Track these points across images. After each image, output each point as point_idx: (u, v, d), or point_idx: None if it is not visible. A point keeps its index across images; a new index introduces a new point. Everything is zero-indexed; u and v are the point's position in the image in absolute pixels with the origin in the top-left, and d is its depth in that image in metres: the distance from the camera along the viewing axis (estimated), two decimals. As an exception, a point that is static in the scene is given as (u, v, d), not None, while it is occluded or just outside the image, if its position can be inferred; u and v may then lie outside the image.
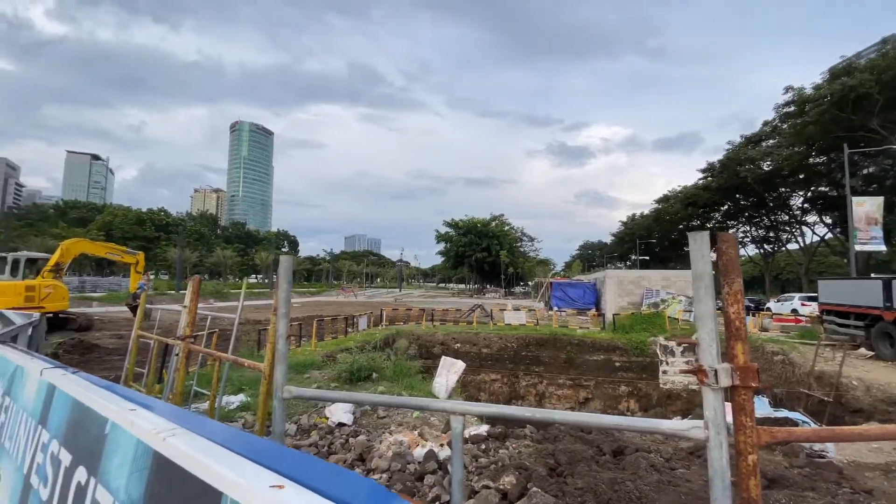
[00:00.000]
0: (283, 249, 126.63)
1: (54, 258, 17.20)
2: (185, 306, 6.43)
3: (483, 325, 22.98)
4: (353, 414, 7.33)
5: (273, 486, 0.85)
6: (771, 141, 41.05)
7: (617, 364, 19.33)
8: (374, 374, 9.92)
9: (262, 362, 4.13)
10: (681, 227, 56.43)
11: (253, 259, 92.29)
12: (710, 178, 47.08)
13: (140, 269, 20.61)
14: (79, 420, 1.52)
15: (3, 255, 18.02)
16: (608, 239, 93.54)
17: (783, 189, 42.87)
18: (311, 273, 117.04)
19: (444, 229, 78.92)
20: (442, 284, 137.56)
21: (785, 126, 38.50)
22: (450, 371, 9.08)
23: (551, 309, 29.57)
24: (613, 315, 23.61)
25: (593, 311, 28.16)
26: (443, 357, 10.19)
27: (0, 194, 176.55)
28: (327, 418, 7.25)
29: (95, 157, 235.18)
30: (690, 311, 23.16)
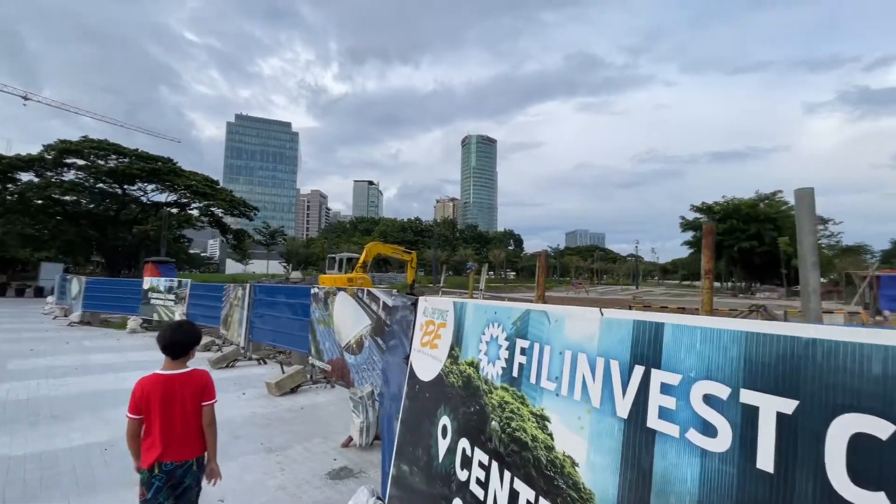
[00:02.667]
0: (510, 247, 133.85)
1: (362, 258, 22.22)
2: (481, 290, 6.77)
3: (772, 330, 18.17)
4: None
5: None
6: None
7: None
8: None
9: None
10: None
11: (487, 256, 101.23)
12: None
13: (414, 265, 24.67)
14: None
15: (333, 255, 24.43)
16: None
17: None
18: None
19: (691, 215, 66.37)
20: (687, 281, 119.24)
21: None
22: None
23: (879, 313, 21.23)
24: None
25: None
26: None
27: (317, 216, 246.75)
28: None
29: (371, 183, 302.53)
30: None
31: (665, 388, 1.46)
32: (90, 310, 16.94)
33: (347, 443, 5.08)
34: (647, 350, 1.56)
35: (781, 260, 51.97)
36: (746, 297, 51.24)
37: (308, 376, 7.92)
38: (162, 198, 40.95)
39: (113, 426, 5.43)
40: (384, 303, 5.63)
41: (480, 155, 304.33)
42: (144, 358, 9.85)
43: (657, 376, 1.49)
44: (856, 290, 36.68)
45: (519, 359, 2.15)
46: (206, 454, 2.57)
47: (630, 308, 21.47)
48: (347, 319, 6.55)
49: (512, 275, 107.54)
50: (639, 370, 1.56)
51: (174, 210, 41.96)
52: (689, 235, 68.13)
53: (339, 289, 6.99)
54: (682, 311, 20.72)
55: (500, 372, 2.25)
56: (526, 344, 2.12)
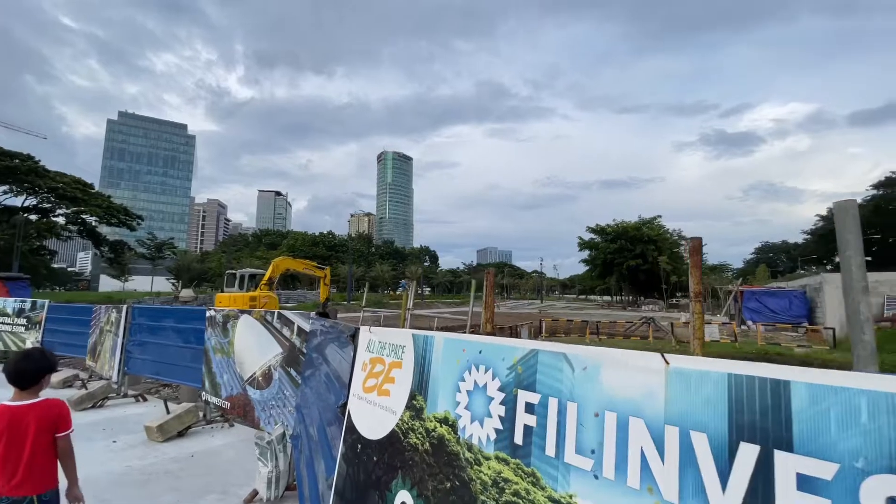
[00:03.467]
0: (426, 263, 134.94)
1: (268, 273, 20.42)
2: (407, 308, 6.42)
3: (661, 342, 20.19)
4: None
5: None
6: None
7: (864, 394, 14.88)
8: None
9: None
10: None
11: (404, 273, 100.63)
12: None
13: (328, 282, 23.35)
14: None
15: (233, 271, 22.15)
16: (795, 238, 76.92)
17: None
18: (453, 285, 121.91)
19: (587, 236, 73.64)
20: (583, 296, 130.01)
21: None
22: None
23: (744, 323, 24.85)
24: (834, 330, 18.73)
25: (804, 326, 22.80)
26: None
27: (214, 228, 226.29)
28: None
29: (278, 194, 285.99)
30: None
31: (807, 483, 1.01)
32: None
33: (251, 497, 4.30)
34: (762, 420, 1.11)
35: (661, 276, 59.25)
36: (634, 309, 57.18)
37: (201, 414, 6.79)
38: (17, 202, 34.09)
39: None
40: (299, 327, 4.97)
41: (396, 171, 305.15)
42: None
43: (787, 463, 1.05)
44: (719, 303, 42.78)
45: (524, 419, 1.63)
46: (56, 488, 2.48)
47: (541, 322, 22.49)
48: (252, 347, 5.70)
49: (428, 290, 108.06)
50: (749, 451, 1.11)
51: (33, 217, 35.15)
52: (585, 254, 75.30)
53: (243, 311, 6.10)
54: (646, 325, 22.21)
55: (493, 435, 1.72)
56: (534, 398, 1.62)
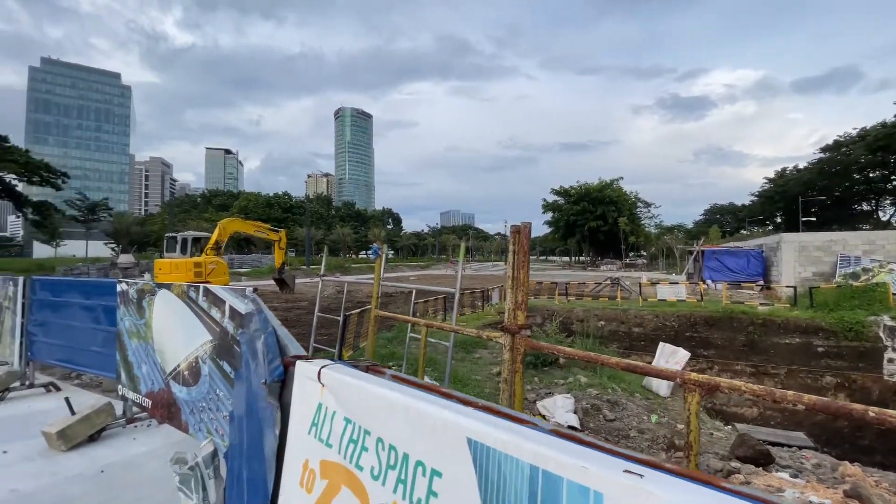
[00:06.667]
0: (389, 226, 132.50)
1: (214, 237, 18.48)
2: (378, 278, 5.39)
3: (628, 301, 20.25)
4: (576, 413, 5.79)
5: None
6: None
7: (820, 349, 15.46)
8: (561, 359, 8.31)
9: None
10: (859, 178, 45.41)
11: (366, 236, 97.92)
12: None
13: (283, 246, 21.62)
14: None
15: (173, 235, 19.96)
16: (743, 200, 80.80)
17: None
18: (417, 248, 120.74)
19: (551, 198, 73.95)
20: (543, 257, 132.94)
21: None
22: (669, 361, 7.13)
23: (703, 281, 25.50)
24: (795, 289, 19.31)
25: (760, 284, 23.62)
26: (661, 344, 8.27)
27: (160, 189, 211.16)
28: (543, 416, 5.80)
29: (228, 152, 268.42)
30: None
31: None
32: None
33: (170, 539, 3.21)
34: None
35: (620, 237, 60.82)
36: (593, 269, 58.67)
37: (121, 410, 5.52)
38: None
39: None
40: (232, 308, 3.75)
41: (356, 129, 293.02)
42: None
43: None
44: (676, 263, 44.32)
45: None
46: None
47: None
48: (174, 333, 4.43)
49: (391, 254, 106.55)
50: None
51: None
52: (548, 216, 75.74)
53: (159, 286, 4.76)
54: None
55: None
56: None
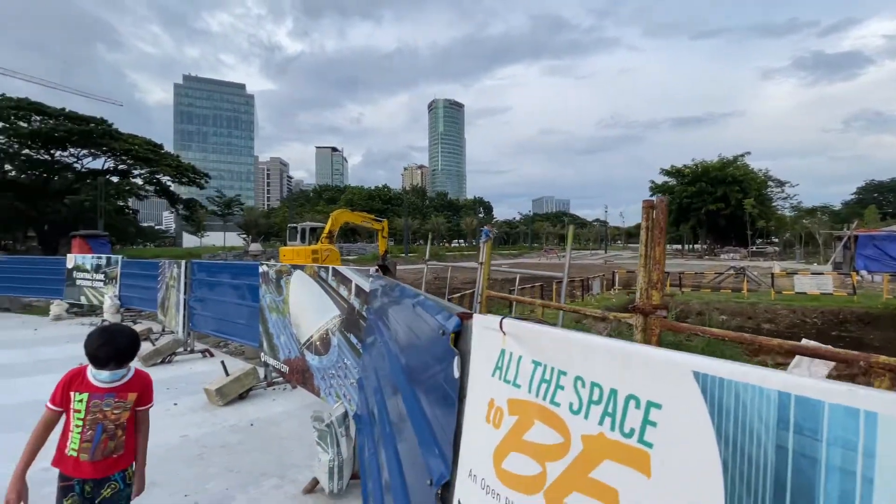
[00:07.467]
0: (480, 214, 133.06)
1: (327, 227, 20.22)
2: (480, 263, 5.37)
3: (756, 294, 17.85)
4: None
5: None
6: None
7: None
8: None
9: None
10: None
11: (458, 225, 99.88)
12: None
13: (385, 234, 22.91)
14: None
15: (294, 225, 22.27)
16: (914, 175, 65.77)
17: None
18: (509, 236, 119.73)
19: (660, 179, 67.20)
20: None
21: None
22: (812, 363, 6.10)
23: (855, 272, 21.49)
24: None
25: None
26: (804, 340, 7.20)
27: (279, 185, 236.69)
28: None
29: (334, 150, 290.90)
30: None
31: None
32: (6, 294, 14.41)
33: (312, 487, 3.61)
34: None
35: (746, 222, 53.24)
36: (711, 258, 52.63)
37: (262, 375, 6.34)
38: (98, 164, 36.53)
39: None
40: (357, 287, 4.06)
41: (448, 120, 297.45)
42: (59, 355, 7.94)
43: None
44: (819, 250, 37.81)
45: None
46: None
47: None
48: (307, 308, 4.94)
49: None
50: None
51: (113, 178, 37.68)
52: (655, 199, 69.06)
53: (295, 267, 5.32)
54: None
55: None
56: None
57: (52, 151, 33.97)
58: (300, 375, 5.08)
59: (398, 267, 30.81)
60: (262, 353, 6.17)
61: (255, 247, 52.73)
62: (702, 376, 0.68)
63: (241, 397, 5.85)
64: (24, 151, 32.50)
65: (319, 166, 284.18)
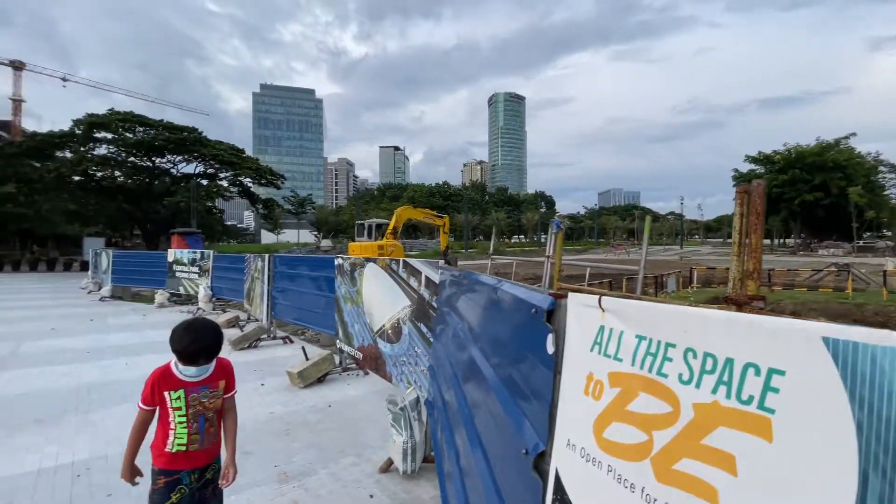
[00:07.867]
0: (542, 209, 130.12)
1: (392, 223, 20.90)
2: (548, 256, 5.27)
3: (864, 294, 15.83)
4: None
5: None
6: None
7: None
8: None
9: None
10: None
11: (519, 220, 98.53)
12: None
13: (447, 230, 23.21)
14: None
15: (361, 222, 23.25)
16: None
17: None
18: (573, 231, 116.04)
19: (745, 167, 60.37)
20: (730, 239, 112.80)
21: None
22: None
23: None
24: None
25: None
26: None
27: (345, 184, 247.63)
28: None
29: (396, 149, 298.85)
30: None
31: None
32: (119, 284, 16.53)
33: (387, 467, 3.80)
34: None
35: (851, 213, 46.84)
36: (807, 254, 47.27)
37: (337, 360, 6.73)
38: (190, 169, 40.64)
39: (95, 439, 4.37)
40: (427, 278, 4.18)
41: (508, 114, 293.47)
42: (163, 338, 8.97)
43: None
44: (942, 244, 32.49)
45: None
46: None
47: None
48: (380, 298, 5.17)
49: (545, 237, 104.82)
50: None
51: (204, 181, 41.69)
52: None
53: (368, 259, 5.59)
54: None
55: None
56: None
57: (153, 158, 38.30)
58: (373, 362, 5.34)
59: (459, 263, 31.13)
60: (338, 341, 6.55)
61: (326, 243, 55.89)
62: (832, 341, 0.67)
63: (319, 381, 6.26)
64: (129, 159, 37.00)
65: (383, 165, 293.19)
